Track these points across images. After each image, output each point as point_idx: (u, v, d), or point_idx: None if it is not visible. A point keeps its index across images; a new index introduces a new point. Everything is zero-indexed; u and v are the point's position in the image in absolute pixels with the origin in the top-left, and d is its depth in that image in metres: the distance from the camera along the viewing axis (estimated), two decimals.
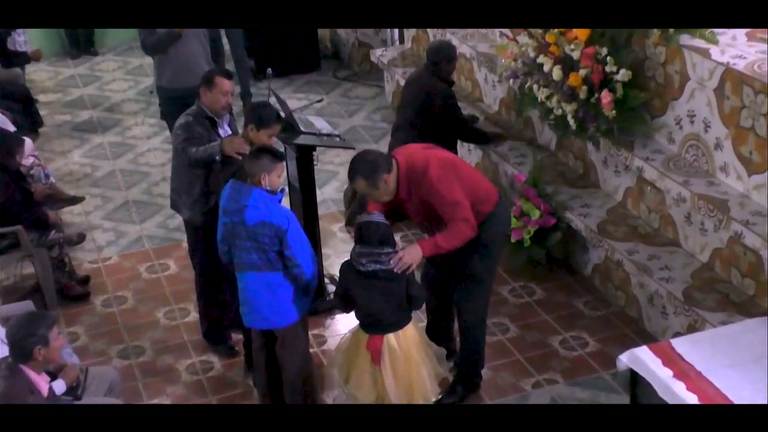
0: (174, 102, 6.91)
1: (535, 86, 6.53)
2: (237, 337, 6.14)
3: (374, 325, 5.11)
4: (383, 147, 8.18)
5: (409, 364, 5.13)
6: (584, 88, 6.16)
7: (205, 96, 5.71)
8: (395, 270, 4.99)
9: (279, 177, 5.08)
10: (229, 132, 5.83)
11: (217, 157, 5.53)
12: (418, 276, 5.27)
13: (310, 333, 5.73)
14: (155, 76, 7.29)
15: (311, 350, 5.72)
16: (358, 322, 5.21)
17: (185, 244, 7.11)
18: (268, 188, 5.01)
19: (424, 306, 5.47)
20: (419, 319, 6.03)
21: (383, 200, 5.16)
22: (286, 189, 6.01)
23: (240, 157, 5.38)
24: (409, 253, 5.06)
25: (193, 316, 6.54)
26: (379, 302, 5.05)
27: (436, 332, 5.72)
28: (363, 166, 5.05)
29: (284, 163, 5.21)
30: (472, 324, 5.49)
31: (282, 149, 6.06)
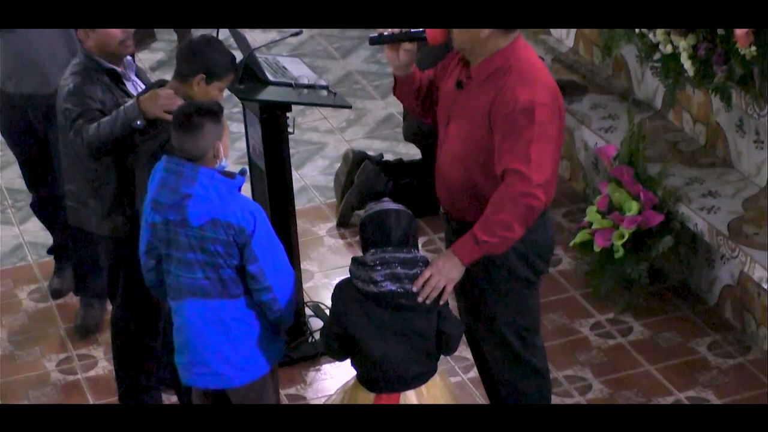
0: (14, 112, 6.79)
1: None
2: (170, 398, 6.16)
3: (387, 380, 5.10)
4: (394, 104, 8.20)
5: None
6: None
7: (89, 37, 5.69)
8: (421, 299, 4.94)
9: (228, 137, 5.10)
10: (143, 86, 5.81)
11: (138, 123, 5.51)
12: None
13: (282, 394, 5.77)
14: None
15: None
16: (355, 374, 5.21)
17: None
18: (224, 162, 5.05)
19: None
20: (449, 369, 6.04)
21: (457, 44, 5.08)
22: (248, 171, 5.99)
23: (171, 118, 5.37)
24: (440, 268, 4.98)
25: (103, 367, 6.57)
26: (397, 347, 5.02)
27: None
28: None
29: (225, 120, 5.22)
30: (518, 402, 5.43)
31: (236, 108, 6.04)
